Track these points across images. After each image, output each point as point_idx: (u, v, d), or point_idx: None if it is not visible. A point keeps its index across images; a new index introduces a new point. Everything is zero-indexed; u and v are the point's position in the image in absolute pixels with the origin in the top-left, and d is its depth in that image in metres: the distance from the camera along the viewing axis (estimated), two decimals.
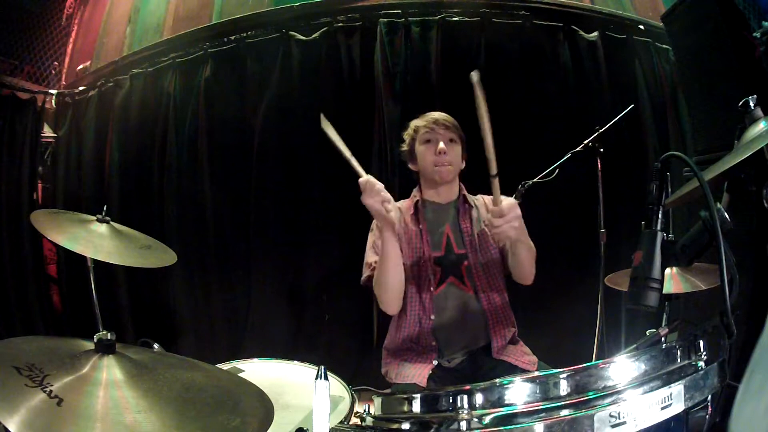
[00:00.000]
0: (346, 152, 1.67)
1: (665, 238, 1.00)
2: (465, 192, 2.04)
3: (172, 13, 3.97)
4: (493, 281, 1.92)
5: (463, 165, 2.01)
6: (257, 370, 1.75)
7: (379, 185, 1.64)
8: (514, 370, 1.82)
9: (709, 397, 1.01)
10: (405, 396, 1.03)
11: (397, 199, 2.09)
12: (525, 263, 1.81)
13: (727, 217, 0.95)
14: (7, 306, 3.75)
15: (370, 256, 1.93)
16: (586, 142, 2.61)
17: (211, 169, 3.63)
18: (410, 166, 2.06)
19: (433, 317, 1.89)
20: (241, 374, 1.59)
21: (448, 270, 1.92)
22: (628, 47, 3.39)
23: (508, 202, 1.62)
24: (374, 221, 2.01)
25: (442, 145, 1.91)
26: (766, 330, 0.80)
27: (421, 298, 1.91)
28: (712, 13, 2.40)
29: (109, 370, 0.91)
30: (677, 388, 0.94)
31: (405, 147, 2.05)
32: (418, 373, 1.81)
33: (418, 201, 2.00)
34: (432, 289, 1.90)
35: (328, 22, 3.47)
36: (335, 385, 1.60)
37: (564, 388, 0.93)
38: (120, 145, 3.88)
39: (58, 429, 0.78)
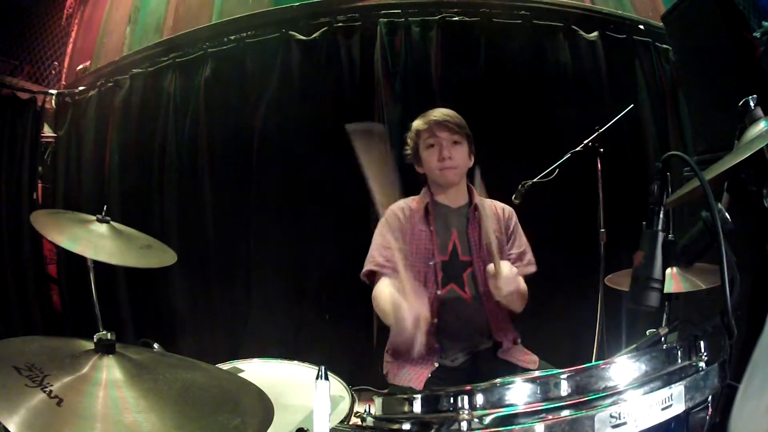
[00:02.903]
0: None
1: (666, 238, 1.00)
2: (476, 197, 1.96)
3: (172, 13, 3.97)
4: None
5: (471, 162, 1.96)
6: (257, 370, 1.75)
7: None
8: (515, 369, 1.82)
9: (710, 397, 1.01)
10: (405, 396, 1.03)
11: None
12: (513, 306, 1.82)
13: (728, 217, 0.95)
14: (7, 306, 3.75)
15: (375, 254, 1.90)
16: (586, 142, 2.61)
17: (211, 169, 3.63)
18: (417, 168, 2.01)
19: (435, 320, 1.89)
20: (241, 374, 1.59)
21: (450, 276, 1.89)
22: (628, 47, 3.39)
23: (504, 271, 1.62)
24: (382, 217, 2.00)
25: (446, 152, 1.86)
26: (766, 330, 0.80)
27: (423, 302, 1.89)
28: (712, 13, 2.40)
29: (109, 370, 0.91)
30: (678, 388, 0.95)
31: (409, 150, 1.99)
32: (416, 375, 1.80)
33: (428, 204, 1.95)
34: (437, 292, 1.88)
35: (328, 22, 3.46)
36: (335, 385, 1.60)
37: (564, 388, 0.93)
38: (120, 145, 3.88)
39: (58, 429, 0.78)
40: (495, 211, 1.98)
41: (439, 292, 1.88)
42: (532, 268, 1.96)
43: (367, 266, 1.90)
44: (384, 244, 1.89)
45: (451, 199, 1.97)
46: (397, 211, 1.97)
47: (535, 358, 1.89)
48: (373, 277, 1.90)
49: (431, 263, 1.89)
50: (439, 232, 1.93)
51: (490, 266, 1.65)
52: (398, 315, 1.55)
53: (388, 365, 1.96)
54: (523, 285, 1.82)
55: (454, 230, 1.93)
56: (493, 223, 1.93)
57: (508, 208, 2.02)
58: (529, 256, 1.97)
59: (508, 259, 1.88)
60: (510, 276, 1.63)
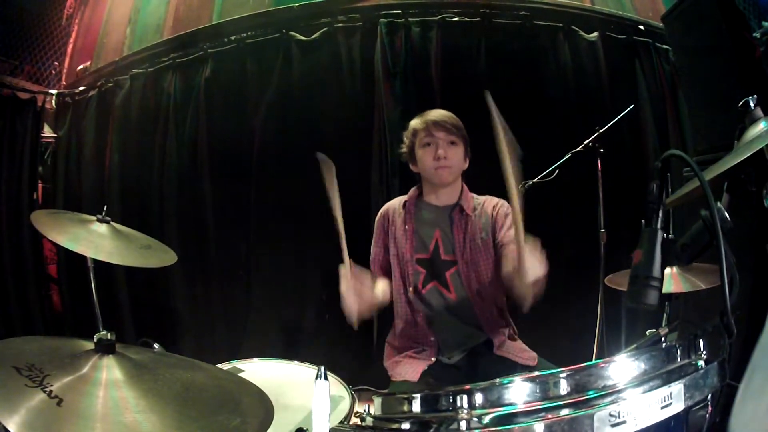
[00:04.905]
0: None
1: (665, 236, 1.00)
2: (465, 198, 1.95)
3: (172, 13, 3.97)
4: (485, 289, 1.88)
5: (466, 165, 1.96)
6: (257, 370, 1.75)
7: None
8: (514, 366, 1.82)
9: (709, 396, 1.01)
10: (405, 396, 1.03)
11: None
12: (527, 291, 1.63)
13: (728, 216, 0.95)
14: (7, 306, 3.75)
15: (371, 248, 2.02)
16: (586, 142, 2.61)
17: (211, 169, 3.63)
18: (411, 167, 2.02)
19: (422, 313, 1.90)
20: (241, 374, 1.59)
21: (432, 274, 1.91)
22: (628, 47, 3.39)
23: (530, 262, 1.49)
24: (379, 213, 2.03)
25: (441, 151, 1.87)
26: (766, 330, 0.80)
27: (408, 297, 1.92)
28: (712, 13, 2.40)
29: (109, 370, 0.91)
30: (677, 387, 0.94)
31: (405, 149, 2.01)
32: (412, 369, 1.81)
33: (406, 202, 1.99)
34: (418, 286, 1.91)
35: (328, 22, 3.47)
36: (335, 385, 1.60)
37: (564, 387, 0.93)
38: (120, 145, 3.88)
39: (58, 429, 0.78)
40: (485, 209, 1.95)
41: (419, 287, 1.91)
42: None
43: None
44: (372, 246, 2.04)
45: (441, 199, 1.97)
46: (383, 211, 2.05)
47: (534, 354, 1.88)
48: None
49: (407, 262, 1.92)
50: (420, 230, 1.95)
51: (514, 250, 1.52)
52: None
53: (387, 359, 1.97)
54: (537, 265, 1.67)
55: (437, 229, 1.94)
56: (480, 223, 1.91)
57: (501, 203, 1.96)
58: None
59: (504, 242, 1.86)
60: (536, 260, 1.51)
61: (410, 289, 1.91)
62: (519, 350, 1.89)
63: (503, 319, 1.95)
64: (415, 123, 1.97)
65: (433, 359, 1.85)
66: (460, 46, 3.35)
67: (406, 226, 1.95)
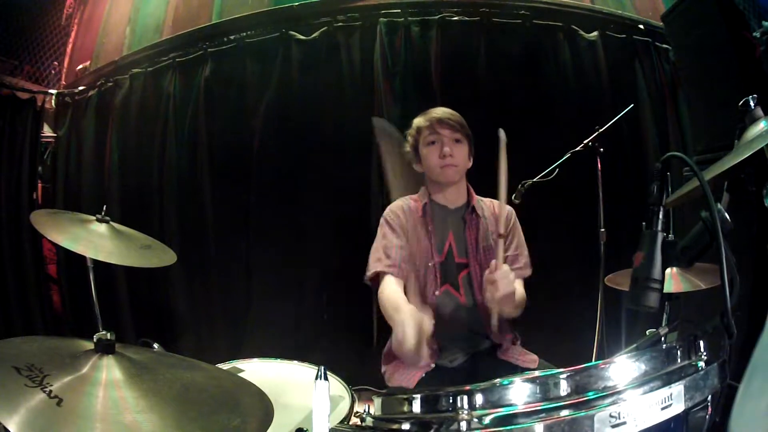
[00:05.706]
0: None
1: (666, 238, 1.00)
2: (474, 199, 1.95)
3: (172, 13, 3.97)
4: None
5: (470, 163, 1.95)
6: (257, 370, 1.75)
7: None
8: (514, 369, 1.80)
9: (710, 397, 1.01)
10: (405, 396, 1.03)
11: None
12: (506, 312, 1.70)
13: (728, 217, 0.95)
14: (7, 306, 3.75)
15: (381, 255, 1.83)
16: (586, 142, 2.61)
17: (211, 169, 3.63)
18: (415, 167, 1.98)
19: (433, 321, 1.87)
20: (241, 374, 1.59)
21: (445, 277, 1.88)
22: (628, 47, 3.39)
23: (503, 271, 1.56)
24: (383, 215, 1.98)
25: (447, 149, 1.84)
26: (765, 330, 0.80)
27: (424, 302, 1.89)
28: (712, 13, 2.40)
29: (109, 370, 0.91)
30: (677, 388, 0.94)
31: (408, 148, 1.97)
32: (409, 376, 1.78)
33: (426, 204, 1.93)
34: (436, 293, 1.87)
35: (328, 21, 3.47)
36: (335, 385, 1.60)
37: (564, 388, 0.93)
38: (120, 145, 3.88)
39: (57, 429, 0.78)
40: (493, 211, 1.96)
41: (436, 293, 1.87)
42: (528, 271, 1.94)
43: (374, 268, 1.83)
44: (387, 245, 1.84)
45: (449, 200, 1.94)
46: (397, 210, 1.95)
47: (535, 357, 1.88)
48: (377, 279, 1.83)
49: (430, 264, 1.87)
50: (436, 232, 1.91)
51: (492, 263, 1.60)
52: (397, 318, 1.47)
53: (386, 365, 1.95)
54: (520, 290, 1.79)
55: (450, 232, 1.91)
56: (491, 226, 1.91)
57: (507, 208, 1.95)
58: (525, 258, 1.95)
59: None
60: (508, 278, 1.58)
61: (436, 293, 1.85)
62: (520, 353, 1.88)
63: (509, 323, 1.92)
64: (418, 121, 1.94)
65: (433, 365, 1.81)
66: (459, 46, 3.35)
67: (429, 227, 1.89)
